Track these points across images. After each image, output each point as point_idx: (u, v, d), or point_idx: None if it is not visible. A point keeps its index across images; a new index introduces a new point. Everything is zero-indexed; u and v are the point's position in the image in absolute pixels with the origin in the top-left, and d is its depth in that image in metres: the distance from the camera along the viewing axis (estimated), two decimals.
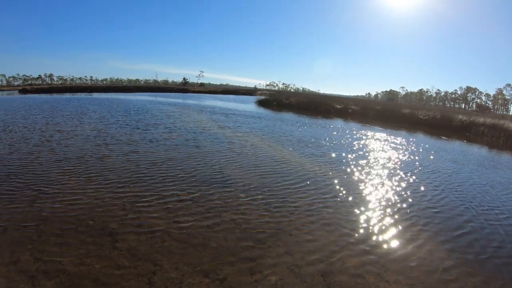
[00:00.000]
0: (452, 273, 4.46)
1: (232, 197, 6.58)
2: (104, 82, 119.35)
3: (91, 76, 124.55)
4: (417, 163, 11.24)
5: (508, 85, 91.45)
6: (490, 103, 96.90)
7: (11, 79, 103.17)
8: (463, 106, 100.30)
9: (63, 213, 5.40)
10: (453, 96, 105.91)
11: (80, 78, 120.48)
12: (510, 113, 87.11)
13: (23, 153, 9.10)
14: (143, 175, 7.60)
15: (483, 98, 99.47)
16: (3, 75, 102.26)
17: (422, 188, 8.16)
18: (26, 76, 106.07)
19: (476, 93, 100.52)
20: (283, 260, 4.40)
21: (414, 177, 9.11)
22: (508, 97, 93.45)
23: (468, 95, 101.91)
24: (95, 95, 44.30)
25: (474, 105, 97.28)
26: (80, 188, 6.59)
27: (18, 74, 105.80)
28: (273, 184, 7.53)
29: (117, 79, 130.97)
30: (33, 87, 63.39)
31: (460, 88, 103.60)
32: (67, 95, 41.89)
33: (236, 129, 16.12)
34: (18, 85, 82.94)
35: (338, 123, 23.89)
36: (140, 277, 3.82)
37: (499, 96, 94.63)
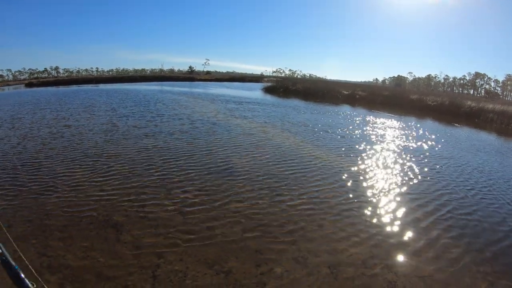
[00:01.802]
0: (465, 270, 4.38)
1: (238, 187, 6.52)
2: (110, 73, 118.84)
3: (97, 68, 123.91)
4: (440, 153, 10.85)
5: None
6: (499, 89, 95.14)
7: (17, 73, 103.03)
8: (471, 92, 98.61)
9: (67, 206, 5.38)
10: (462, 82, 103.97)
11: (86, 70, 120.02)
12: None
13: (30, 148, 9.14)
14: (149, 167, 7.56)
15: (492, 84, 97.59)
16: (9, 70, 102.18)
17: (445, 181, 8.04)
18: (32, 70, 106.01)
19: (485, 79, 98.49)
20: (289, 251, 4.34)
21: (437, 168, 8.95)
22: None
23: (477, 81, 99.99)
24: (101, 86, 44.34)
25: (483, 91, 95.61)
26: (85, 181, 6.57)
27: (24, 68, 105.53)
28: (279, 174, 7.45)
29: (123, 69, 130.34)
30: (39, 80, 63.48)
31: (469, 74, 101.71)
32: (74, 87, 41.96)
33: (253, 119, 15.83)
34: (24, 79, 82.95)
35: (348, 110, 23.62)
36: (144, 270, 3.79)
37: (508, 82, 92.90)
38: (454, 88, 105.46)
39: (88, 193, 5.96)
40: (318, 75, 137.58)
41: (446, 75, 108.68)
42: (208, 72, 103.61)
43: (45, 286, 3.32)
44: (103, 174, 7.00)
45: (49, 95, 27.33)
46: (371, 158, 9.35)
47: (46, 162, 7.71)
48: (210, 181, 6.76)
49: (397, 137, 13.16)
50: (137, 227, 4.78)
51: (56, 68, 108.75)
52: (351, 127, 14.79)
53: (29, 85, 52.21)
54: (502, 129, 20.22)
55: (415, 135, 14.10)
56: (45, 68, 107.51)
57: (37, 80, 63.01)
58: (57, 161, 7.84)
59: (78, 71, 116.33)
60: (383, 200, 6.29)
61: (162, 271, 3.77)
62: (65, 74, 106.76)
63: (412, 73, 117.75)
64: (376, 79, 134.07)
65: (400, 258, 4.35)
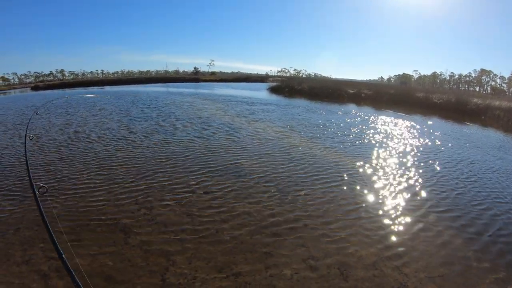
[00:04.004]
0: (477, 271, 4.33)
1: (247, 189, 6.49)
2: (115, 75, 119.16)
3: (102, 70, 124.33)
4: (468, 157, 10.14)
5: None
6: (505, 86, 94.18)
7: (23, 77, 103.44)
8: (477, 89, 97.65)
9: (75, 209, 5.37)
10: (467, 79, 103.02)
11: (91, 72, 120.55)
12: None
13: (37, 152, 9.14)
14: (158, 169, 7.54)
15: (498, 81, 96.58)
16: (15, 74, 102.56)
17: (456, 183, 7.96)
18: (38, 73, 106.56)
19: (491, 75, 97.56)
20: (299, 253, 4.29)
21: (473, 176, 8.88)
22: None
23: (483, 78, 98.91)
24: (108, 88, 44.54)
25: (488, 88, 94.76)
26: (92, 183, 6.57)
27: (29, 72, 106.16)
28: (288, 175, 7.40)
29: (128, 71, 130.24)
30: (45, 83, 63.89)
31: (474, 70, 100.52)
32: (80, 90, 42.18)
33: (274, 123, 15.51)
34: (30, 82, 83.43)
35: (357, 109, 23.31)
36: (153, 273, 3.76)
37: None
38: (460, 85, 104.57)
39: (95, 196, 5.95)
40: (323, 74, 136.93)
41: (452, 72, 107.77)
42: (213, 73, 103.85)
43: None
44: (110, 176, 7.00)
45: (56, 98, 27.43)
46: (391, 161, 9.04)
47: (52, 166, 7.72)
48: (219, 183, 6.73)
49: (415, 138, 12.72)
50: (146, 230, 4.76)
51: (62, 71, 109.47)
52: (369, 130, 14.41)
53: (35, 88, 52.54)
54: (509, 126, 19.86)
55: (433, 135, 13.65)
56: (50, 71, 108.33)
57: (43, 83, 63.41)
58: (64, 164, 7.85)
59: (83, 74, 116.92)
60: (399, 206, 6.10)
61: (171, 275, 3.74)
62: (71, 77, 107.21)
63: (417, 70, 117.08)
64: (381, 77, 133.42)
65: (411, 259, 4.28)
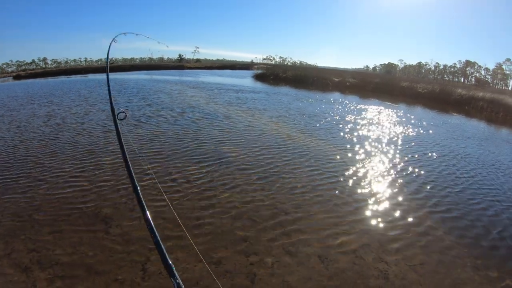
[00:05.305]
0: (452, 254, 4.44)
1: (228, 175, 6.51)
2: (99, 62, 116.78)
3: (85, 58, 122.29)
4: (465, 151, 10.32)
5: (508, 60, 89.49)
6: (489, 77, 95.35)
7: (4, 65, 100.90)
8: (462, 80, 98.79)
9: (56, 200, 5.33)
10: (452, 69, 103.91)
11: (74, 60, 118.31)
12: (510, 88, 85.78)
13: (17, 141, 8.99)
14: (139, 157, 7.47)
15: (483, 72, 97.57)
16: None
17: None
18: (20, 62, 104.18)
19: (476, 67, 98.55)
20: (280, 241, 4.35)
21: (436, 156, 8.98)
22: (508, 72, 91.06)
23: (467, 69, 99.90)
24: (91, 76, 43.72)
25: (473, 79, 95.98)
26: (74, 173, 6.50)
27: (11, 61, 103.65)
28: (269, 162, 7.43)
29: (112, 58, 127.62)
30: (27, 72, 62.55)
31: (459, 61, 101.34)
32: (63, 78, 41.41)
33: (264, 112, 15.31)
34: (12, 71, 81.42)
35: (344, 98, 23.28)
36: (133, 263, 3.77)
37: (499, 71, 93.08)
38: (445, 76, 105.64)
39: (77, 186, 5.89)
40: (309, 62, 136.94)
41: (437, 63, 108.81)
42: (198, 60, 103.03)
43: None
44: (92, 166, 6.92)
45: (39, 87, 26.90)
46: (381, 152, 8.99)
47: (34, 156, 7.59)
48: (200, 172, 6.70)
49: (405, 128, 12.77)
50: (126, 220, 4.75)
51: (44, 59, 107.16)
52: (358, 120, 14.39)
53: (17, 77, 51.41)
54: (492, 117, 20.13)
55: (423, 126, 13.69)
56: (32, 60, 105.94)
57: (25, 72, 62.09)
58: (46, 154, 7.71)
59: (66, 62, 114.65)
60: (384, 197, 6.12)
61: (152, 264, 3.76)
62: (53, 65, 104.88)
63: (402, 60, 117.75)
64: (367, 66, 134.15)
65: (391, 248, 4.38)
